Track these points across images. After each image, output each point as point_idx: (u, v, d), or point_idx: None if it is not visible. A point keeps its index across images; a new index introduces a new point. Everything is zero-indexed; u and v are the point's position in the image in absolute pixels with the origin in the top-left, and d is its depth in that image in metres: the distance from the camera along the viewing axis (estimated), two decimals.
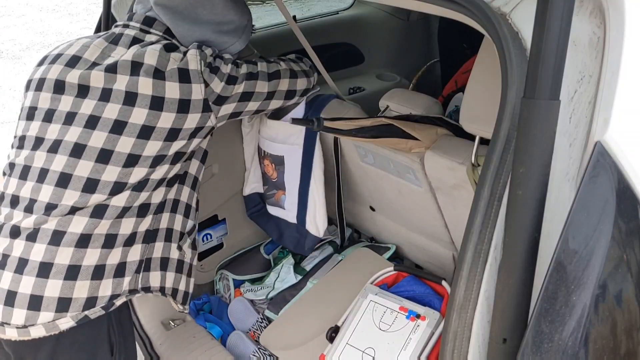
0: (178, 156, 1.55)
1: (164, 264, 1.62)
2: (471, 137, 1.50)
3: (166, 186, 1.57)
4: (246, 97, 1.65)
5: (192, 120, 1.52)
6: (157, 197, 1.54)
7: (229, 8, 1.68)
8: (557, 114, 0.85)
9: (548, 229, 0.91)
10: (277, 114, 2.04)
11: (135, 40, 1.57)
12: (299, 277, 2.12)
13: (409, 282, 1.74)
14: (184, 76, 1.50)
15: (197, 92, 1.51)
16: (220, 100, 1.57)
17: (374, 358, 1.55)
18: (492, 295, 0.95)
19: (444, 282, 1.69)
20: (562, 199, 0.94)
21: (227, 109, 1.61)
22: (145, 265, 1.56)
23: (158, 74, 1.48)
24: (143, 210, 1.51)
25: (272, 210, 2.18)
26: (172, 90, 1.48)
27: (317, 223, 2.03)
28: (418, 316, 1.57)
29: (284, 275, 2.14)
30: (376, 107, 1.86)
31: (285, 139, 2.00)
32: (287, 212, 2.11)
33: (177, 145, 1.52)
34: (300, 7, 7.34)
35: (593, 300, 0.91)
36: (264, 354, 1.86)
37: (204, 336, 1.94)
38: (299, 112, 1.95)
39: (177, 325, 1.99)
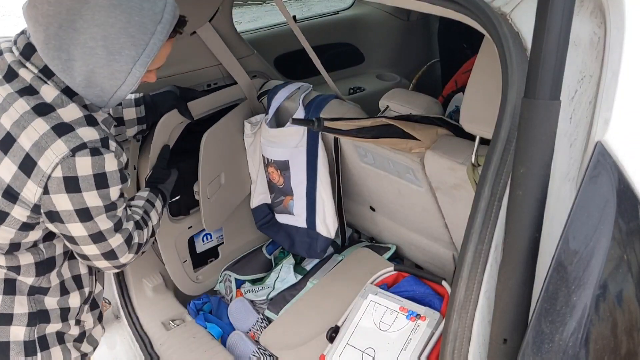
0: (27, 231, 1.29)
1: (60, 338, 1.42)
2: (471, 137, 1.50)
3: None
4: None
5: (19, 213, 1.23)
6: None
7: (116, 9, 1.18)
8: (558, 114, 0.85)
9: (548, 229, 0.91)
10: (279, 122, 2.05)
11: (9, 71, 1.24)
12: (299, 277, 2.12)
13: (409, 282, 1.74)
14: (26, 165, 1.18)
15: (30, 192, 1.20)
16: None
17: (374, 358, 1.55)
18: (493, 295, 0.95)
19: (444, 282, 1.69)
20: (563, 199, 0.94)
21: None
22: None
23: (4, 144, 1.20)
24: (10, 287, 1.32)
25: (281, 218, 2.18)
26: (5, 170, 1.20)
27: (327, 224, 2.04)
28: (418, 316, 1.57)
29: (284, 275, 2.14)
30: (376, 107, 1.86)
31: (288, 143, 2.00)
32: (297, 217, 2.11)
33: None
34: (300, 7, 7.35)
35: (594, 300, 0.90)
36: (264, 354, 1.86)
37: (204, 336, 1.94)
38: (298, 114, 1.95)
39: (177, 325, 1.99)
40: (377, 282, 1.79)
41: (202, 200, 1.99)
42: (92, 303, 1.53)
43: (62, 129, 1.19)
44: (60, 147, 1.17)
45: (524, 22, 1.02)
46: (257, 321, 2.02)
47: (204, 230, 2.17)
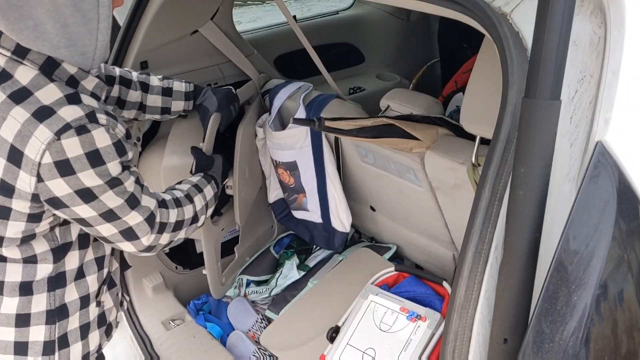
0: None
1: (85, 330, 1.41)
2: (472, 137, 1.50)
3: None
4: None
5: (20, 206, 1.19)
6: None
7: None
8: (558, 114, 0.85)
9: (549, 229, 0.91)
10: (282, 124, 2.05)
11: None
12: (302, 273, 2.13)
13: (409, 282, 1.74)
14: (14, 157, 1.14)
15: (25, 183, 1.16)
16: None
17: (374, 358, 1.55)
18: (493, 295, 0.95)
19: (444, 283, 1.69)
20: (563, 199, 0.94)
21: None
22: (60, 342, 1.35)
23: None
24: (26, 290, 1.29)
25: (297, 214, 2.20)
26: None
27: (341, 219, 2.05)
28: (419, 317, 1.57)
29: (287, 272, 2.14)
30: (376, 107, 1.86)
31: (293, 144, 2.00)
32: (312, 213, 2.13)
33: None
34: (300, 7, 7.36)
35: (594, 300, 0.91)
36: (264, 354, 1.86)
37: (204, 336, 1.94)
38: (299, 114, 1.96)
39: (177, 325, 1.99)
40: (377, 282, 1.79)
41: (236, 195, 1.97)
42: (110, 282, 1.49)
43: (42, 114, 1.13)
44: (44, 133, 1.12)
45: (524, 22, 1.02)
46: (257, 321, 2.02)
47: None
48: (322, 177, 2.02)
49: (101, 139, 1.17)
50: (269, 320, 2.01)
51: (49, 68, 1.17)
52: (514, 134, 0.96)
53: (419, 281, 1.74)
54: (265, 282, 2.20)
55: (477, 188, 1.00)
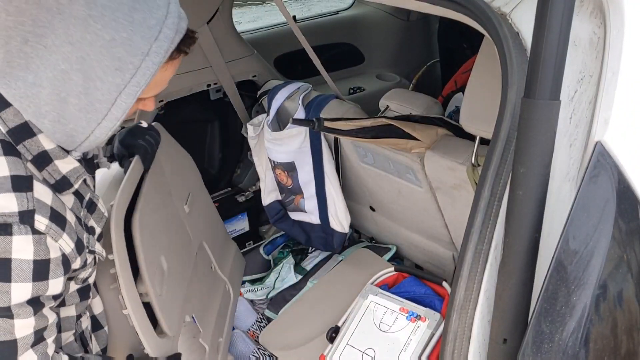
0: None
1: None
2: (471, 138, 1.50)
3: None
4: None
5: None
6: None
7: (97, 22, 0.92)
8: (558, 114, 0.85)
9: (548, 229, 0.91)
10: (280, 122, 2.05)
11: None
12: (299, 277, 2.13)
13: (409, 283, 1.74)
14: None
15: None
16: None
17: (373, 358, 1.55)
18: (493, 295, 0.95)
19: (444, 283, 1.69)
20: (563, 199, 0.94)
21: None
22: None
23: None
24: None
25: (294, 215, 2.20)
26: None
27: (339, 219, 2.05)
28: (418, 317, 1.57)
29: (285, 274, 2.14)
30: (376, 107, 1.86)
31: (291, 144, 2.00)
32: (309, 214, 2.13)
33: None
34: (300, 7, 7.36)
35: (593, 300, 0.91)
36: (264, 354, 1.86)
37: None
38: (298, 114, 1.96)
39: None
40: (377, 282, 1.79)
41: (155, 301, 1.39)
42: None
43: None
44: None
45: (524, 22, 1.02)
46: (256, 321, 2.02)
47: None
48: (320, 177, 2.02)
49: (22, 249, 0.92)
50: (269, 320, 2.01)
51: (20, 135, 0.96)
52: (513, 134, 0.96)
53: (419, 281, 1.74)
54: (260, 280, 2.20)
55: (477, 188, 1.00)
